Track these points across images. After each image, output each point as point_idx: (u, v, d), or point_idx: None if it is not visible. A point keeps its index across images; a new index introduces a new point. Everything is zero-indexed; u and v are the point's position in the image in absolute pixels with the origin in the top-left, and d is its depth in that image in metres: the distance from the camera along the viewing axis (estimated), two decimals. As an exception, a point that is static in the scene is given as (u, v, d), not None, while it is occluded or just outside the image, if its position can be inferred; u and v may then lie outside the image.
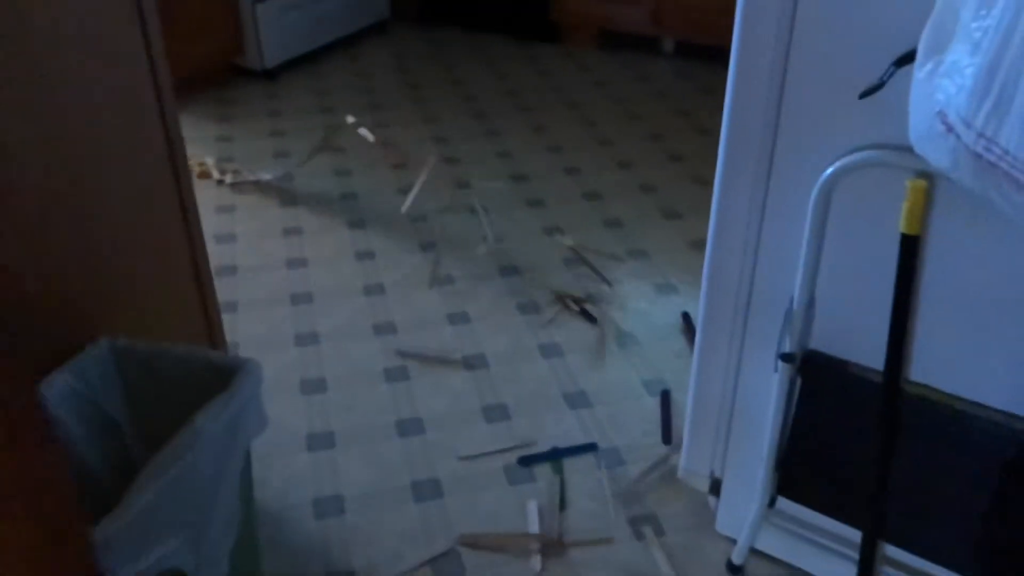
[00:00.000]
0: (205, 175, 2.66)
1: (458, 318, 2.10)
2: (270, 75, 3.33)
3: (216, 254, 2.30)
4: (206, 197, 2.55)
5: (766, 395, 1.35)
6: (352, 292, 2.19)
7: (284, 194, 2.61)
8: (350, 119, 3.02)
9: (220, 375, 1.23)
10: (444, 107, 3.17)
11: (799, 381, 1.32)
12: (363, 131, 2.93)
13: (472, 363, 1.96)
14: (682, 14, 3.37)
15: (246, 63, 3.30)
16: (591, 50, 3.66)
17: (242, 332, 2.06)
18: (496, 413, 1.83)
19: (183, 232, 1.42)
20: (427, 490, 1.64)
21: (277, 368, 1.93)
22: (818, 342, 1.29)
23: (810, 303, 1.26)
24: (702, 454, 1.52)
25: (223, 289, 2.14)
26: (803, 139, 1.18)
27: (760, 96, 1.19)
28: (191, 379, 1.27)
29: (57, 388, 1.23)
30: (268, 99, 3.20)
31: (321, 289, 2.20)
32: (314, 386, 1.89)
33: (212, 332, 1.51)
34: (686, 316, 2.08)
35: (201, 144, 2.84)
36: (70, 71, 1.16)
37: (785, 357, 1.29)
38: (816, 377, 1.30)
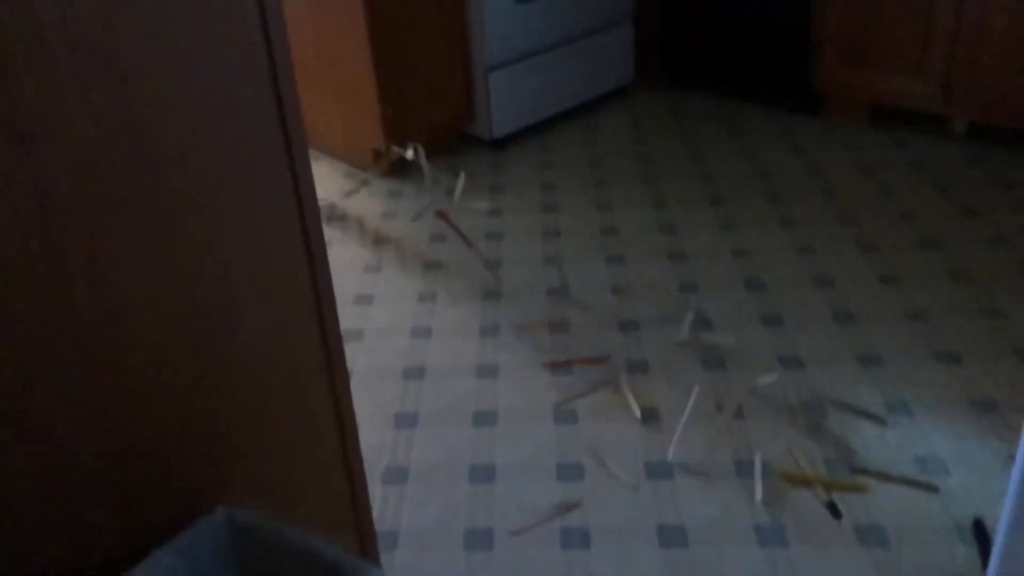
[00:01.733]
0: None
1: (658, 469, 1.76)
2: (498, 145, 3.17)
3: (407, 349, 2.13)
4: (405, 284, 2.41)
5: None
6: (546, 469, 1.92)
7: (490, 293, 2.41)
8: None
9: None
10: (678, 188, 2.83)
11: None
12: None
13: (669, 538, 1.61)
14: (982, 88, 2.79)
15: (475, 131, 3.16)
16: (860, 127, 3.16)
17: (413, 502, 1.85)
18: (689, 616, 1.46)
19: (328, 394, 1.21)
20: None
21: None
22: None
23: None
24: None
25: (408, 397, 1.96)
26: None
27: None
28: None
29: (160, 569, 1.05)
30: (492, 171, 3.03)
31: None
32: None
33: (358, 515, 1.29)
34: (979, 525, 1.58)
35: (412, 215, 2.72)
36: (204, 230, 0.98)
37: None
38: None
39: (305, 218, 1.10)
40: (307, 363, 1.17)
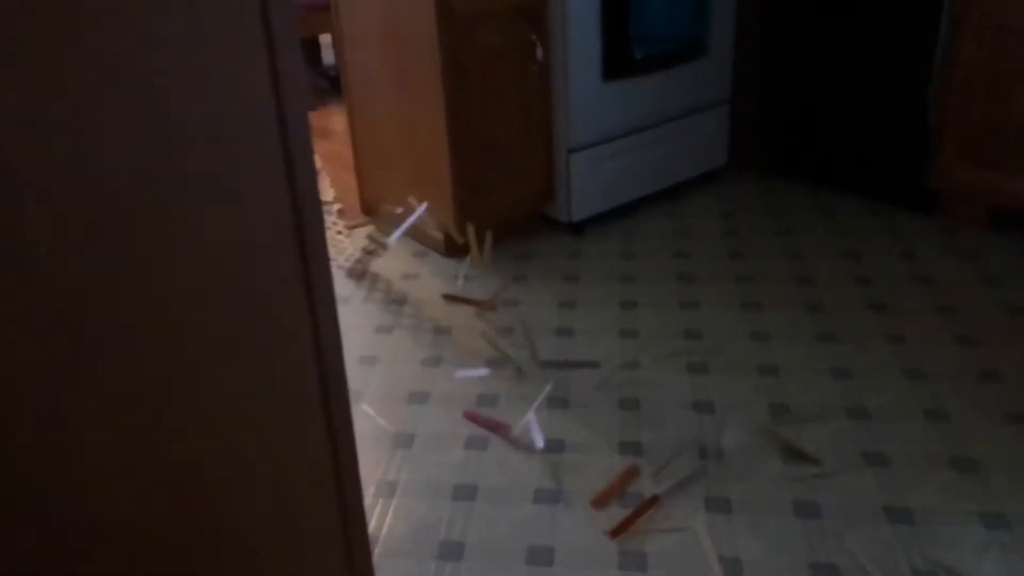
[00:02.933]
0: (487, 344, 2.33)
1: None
2: (576, 229, 2.97)
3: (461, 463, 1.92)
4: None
5: None
6: None
7: (555, 400, 2.18)
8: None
9: None
10: (771, 289, 2.57)
11: None
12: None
13: None
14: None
15: (553, 213, 2.97)
16: (980, 231, 2.85)
17: (456, 595, 1.61)
18: None
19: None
20: None
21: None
22: None
23: None
24: None
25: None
26: None
27: None
28: None
29: None
30: (568, 257, 2.83)
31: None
32: None
33: None
34: None
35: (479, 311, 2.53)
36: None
37: None
38: None
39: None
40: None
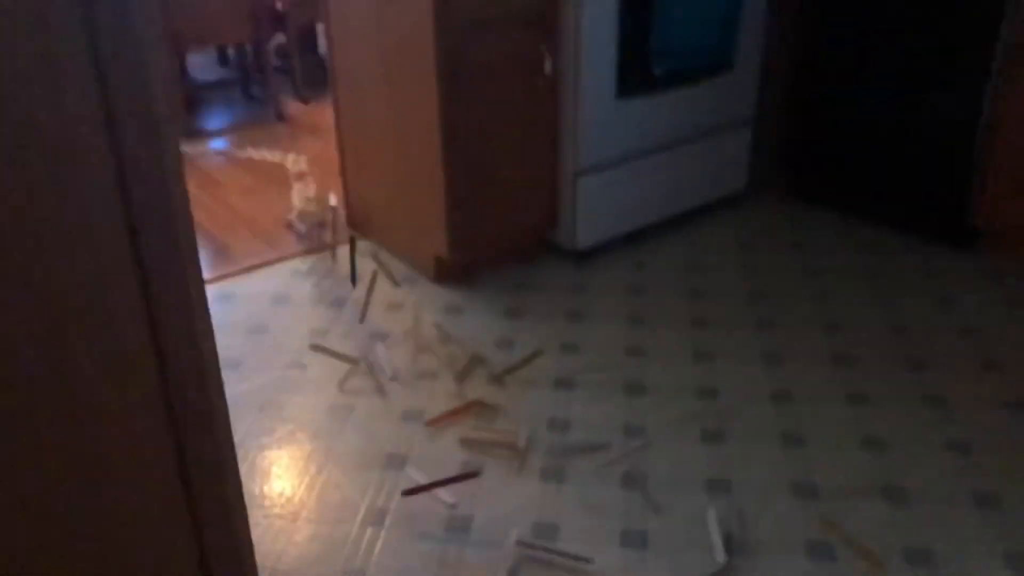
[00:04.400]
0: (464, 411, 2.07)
1: None
2: (581, 258, 2.71)
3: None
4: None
5: None
6: None
7: (548, 472, 1.92)
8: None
9: None
10: (795, 339, 2.31)
11: None
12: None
13: None
14: None
15: (556, 240, 2.72)
16: (1026, 274, 2.60)
17: None
18: None
19: None
20: None
21: None
22: None
23: None
24: None
25: None
26: None
27: None
28: None
29: None
30: (570, 291, 2.57)
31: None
32: None
33: None
34: None
35: (469, 344, 2.28)
36: None
37: None
38: None
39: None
40: None
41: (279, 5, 4.34)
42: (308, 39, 4.71)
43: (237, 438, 1.92)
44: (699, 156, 2.85)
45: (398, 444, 1.94)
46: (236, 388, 2.13)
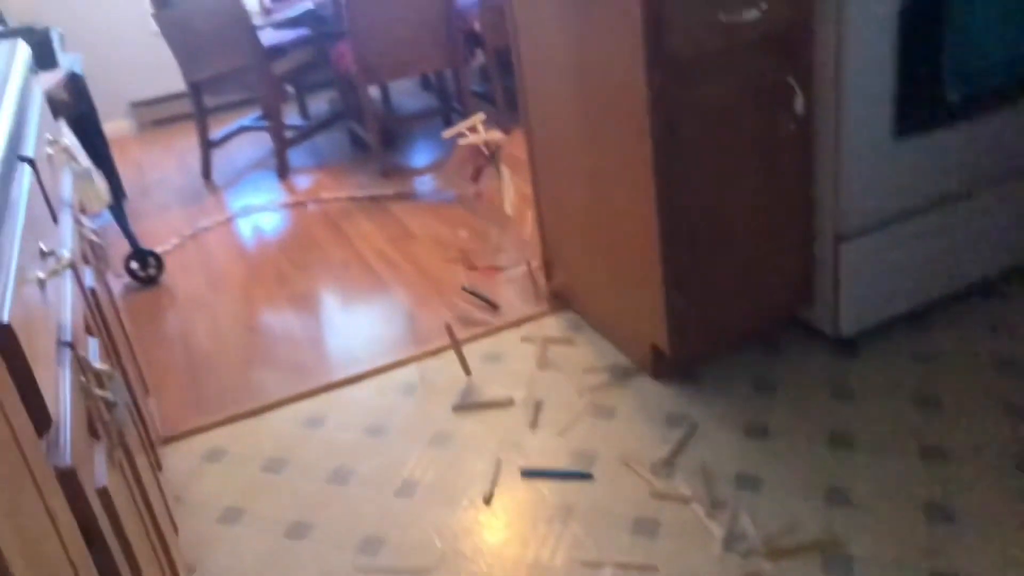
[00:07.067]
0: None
1: None
2: (844, 345, 2.08)
3: None
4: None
5: None
6: None
7: None
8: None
9: None
10: None
11: None
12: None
13: None
14: None
15: (811, 320, 2.11)
16: None
17: None
18: None
19: None
20: None
21: None
22: None
23: None
24: None
25: None
26: None
27: None
28: None
29: None
30: (830, 394, 1.95)
31: None
32: None
33: None
34: None
35: (700, 481, 1.74)
36: None
37: None
38: None
39: None
40: None
41: (476, 26, 3.97)
42: (510, 62, 4.32)
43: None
44: (1007, 205, 2.11)
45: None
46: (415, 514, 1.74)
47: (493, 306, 2.52)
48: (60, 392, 0.99)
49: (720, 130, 1.82)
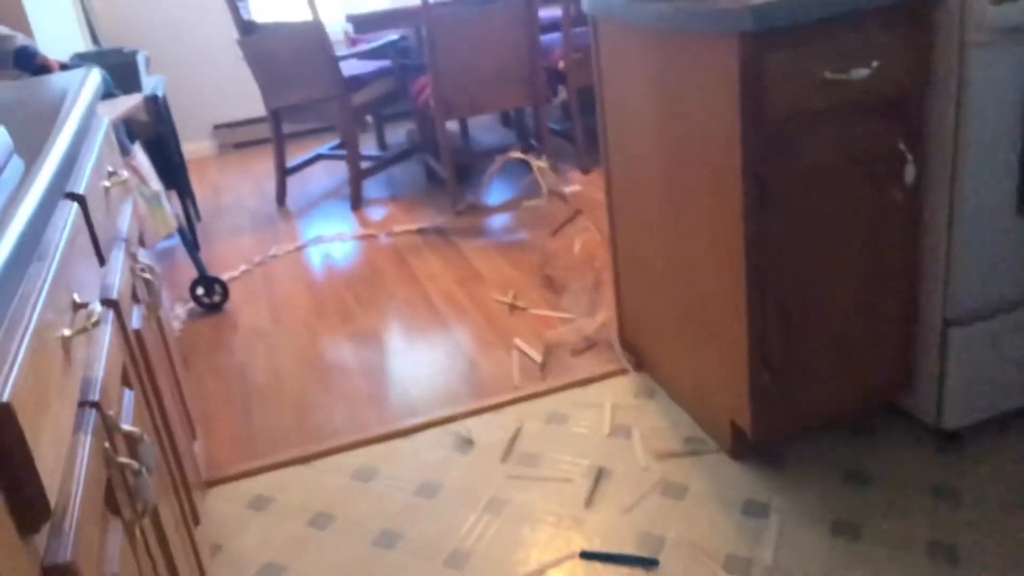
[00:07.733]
0: None
1: None
2: (947, 439, 1.88)
3: None
4: None
5: None
6: None
7: None
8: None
9: None
10: None
11: None
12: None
13: None
14: None
15: (910, 408, 1.91)
16: None
17: None
18: None
19: None
20: None
21: None
22: None
23: None
24: None
25: None
26: None
27: None
28: None
29: None
30: (931, 493, 1.75)
31: None
32: None
33: None
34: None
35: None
36: None
37: None
38: None
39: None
40: None
41: (560, 64, 3.88)
42: (592, 101, 4.21)
43: None
44: None
45: None
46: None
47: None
48: (75, 466, 0.89)
49: (819, 196, 1.66)
